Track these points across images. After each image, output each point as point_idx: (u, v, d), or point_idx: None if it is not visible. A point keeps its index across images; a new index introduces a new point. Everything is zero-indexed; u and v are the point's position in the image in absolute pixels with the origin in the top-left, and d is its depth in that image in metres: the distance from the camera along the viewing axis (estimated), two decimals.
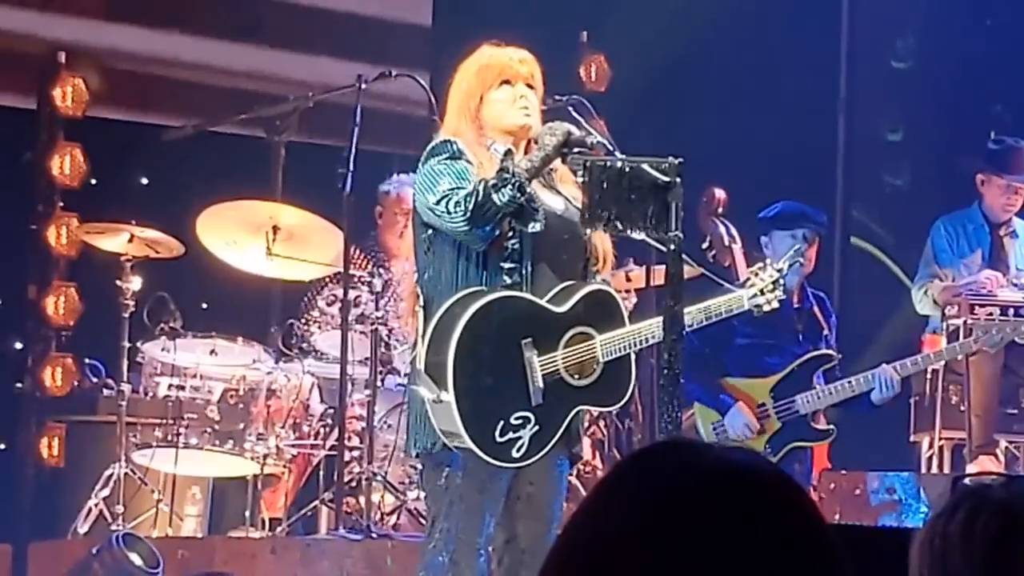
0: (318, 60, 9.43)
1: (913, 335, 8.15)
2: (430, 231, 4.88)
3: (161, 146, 8.49)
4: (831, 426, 7.33)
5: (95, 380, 8.07)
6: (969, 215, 8.11)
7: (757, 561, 1.47)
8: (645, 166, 4.46)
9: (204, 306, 8.55)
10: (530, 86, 4.97)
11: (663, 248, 4.48)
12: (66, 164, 8.85)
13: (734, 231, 7.76)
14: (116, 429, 7.40)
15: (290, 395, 7.62)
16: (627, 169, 4.46)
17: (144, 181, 9.29)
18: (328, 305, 7.70)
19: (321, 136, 8.52)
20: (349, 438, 7.26)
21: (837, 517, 7.06)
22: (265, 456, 7.49)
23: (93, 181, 8.91)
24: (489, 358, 4.76)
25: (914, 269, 8.23)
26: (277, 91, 8.70)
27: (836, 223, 9.77)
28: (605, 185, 4.44)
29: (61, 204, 8.86)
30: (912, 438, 7.96)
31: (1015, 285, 7.78)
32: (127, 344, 7.54)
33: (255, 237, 7.60)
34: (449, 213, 4.74)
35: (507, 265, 4.81)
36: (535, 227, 4.80)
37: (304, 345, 7.74)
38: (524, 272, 4.82)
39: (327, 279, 7.82)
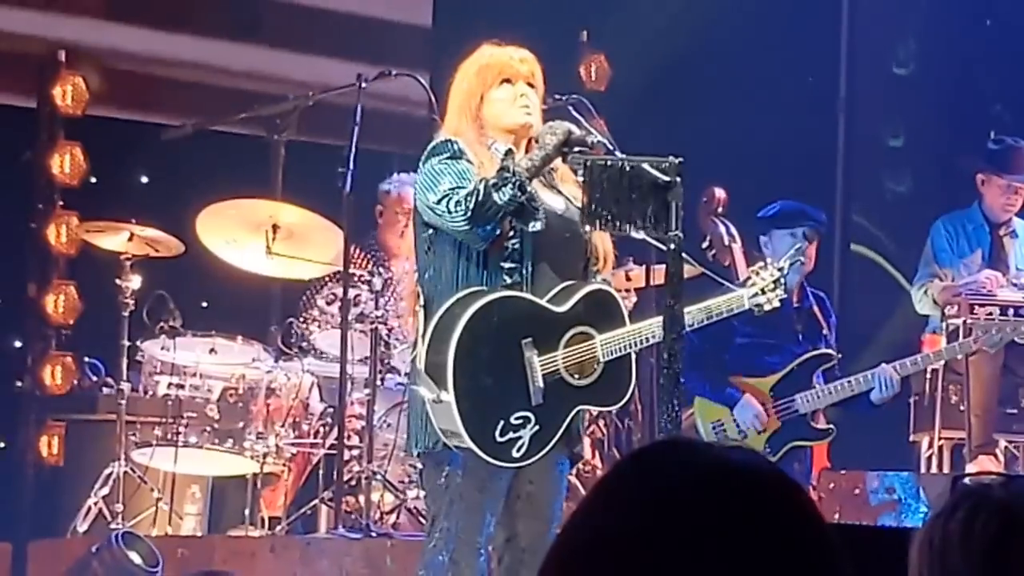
0: (318, 60, 9.43)
1: (913, 335, 8.15)
2: (431, 230, 4.88)
3: (161, 145, 8.50)
4: (831, 425, 7.34)
5: (95, 379, 8.08)
6: (969, 215, 8.11)
7: (756, 561, 1.48)
8: (645, 165, 4.46)
9: (204, 305, 8.56)
10: (531, 85, 4.97)
11: (663, 247, 4.48)
12: (66, 163, 8.85)
13: (734, 230, 7.76)
14: (116, 428, 7.40)
15: (290, 394, 7.62)
16: (627, 168, 4.46)
17: (144, 180, 9.29)
18: (328, 304, 7.70)
19: (321, 135, 8.52)
20: (349, 437, 7.26)
21: (836, 517, 7.06)
22: (265, 455, 7.49)
23: (93, 180, 8.91)
24: (489, 358, 4.76)
25: (914, 272, 8.23)
26: (277, 91, 8.70)
27: (836, 225, 9.77)
28: (605, 184, 4.44)
29: (61, 203, 8.86)
30: (912, 438, 7.96)
31: (1015, 285, 7.78)
32: (127, 343, 7.54)
33: (255, 236, 7.60)
34: (450, 212, 4.74)
35: (507, 265, 4.81)
36: (536, 226, 4.80)
37: (304, 344, 7.74)
38: (524, 272, 4.82)
39: (327, 278, 7.82)
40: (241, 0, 9.65)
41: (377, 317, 7.35)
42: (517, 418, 4.77)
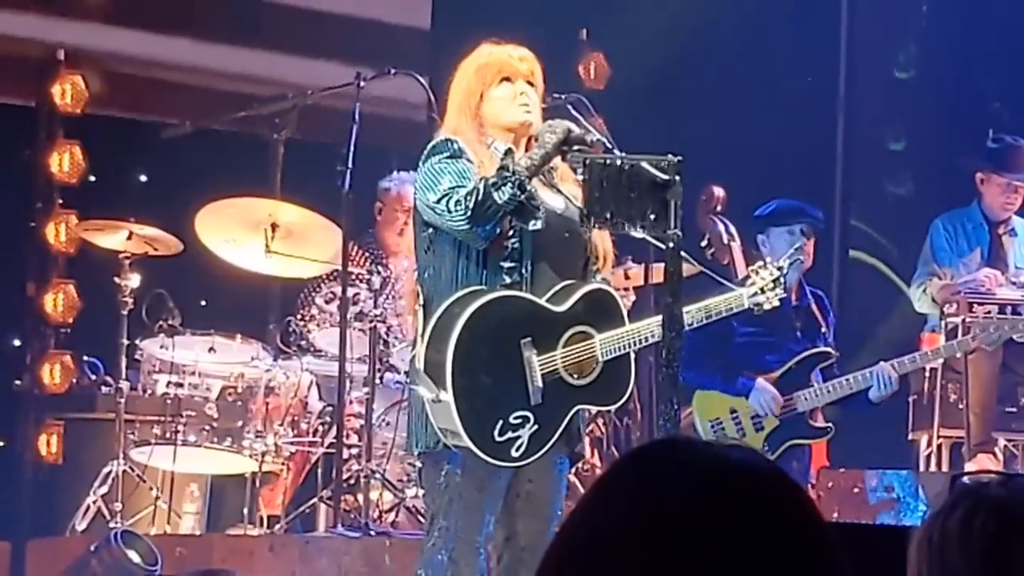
0: (316, 63, 9.43)
1: (911, 333, 8.15)
2: (430, 229, 4.87)
3: (160, 144, 8.50)
4: (829, 424, 7.34)
5: (93, 377, 8.08)
6: (968, 213, 8.11)
7: (755, 559, 1.48)
8: (644, 164, 4.46)
9: (203, 303, 8.56)
10: (530, 83, 4.97)
11: (662, 246, 4.48)
12: (65, 161, 8.85)
13: (733, 229, 7.76)
14: (114, 426, 7.40)
15: (288, 392, 7.62)
16: (626, 167, 4.46)
17: (143, 178, 9.29)
18: (326, 302, 7.70)
19: (320, 135, 8.52)
20: (347, 436, 7.26)
21: (835, 515, 7.05)
22: (263, 454, 7.49)
23: (92, 178, 8.92)
24: (488, 358, 4.76)
25: (913, 272, 8.22)
26: (276, 94, 8.69)
27: (835, 226, 9.77)
28: (605, 183, 4.44)
29: (60, 201, 8.86)
30: (910, 436, 7.96)
31: (1014, 283, 7.78)
32: (126, 341, 7.54)
33: (254, 234, 7.60)
34: (450, 212, 4.74)
35: (507, 264, 4.81)
36: (535, 225, 4.80)
37: (303, 343, 7.74)
38: (524, 271, 4.82)
39: (325, 276, 7.82)
40: (240, 3, 9.65)
41: (376, 315, 7.34)
42: (516, 417, 4.77)
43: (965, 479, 2.20)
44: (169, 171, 8.88)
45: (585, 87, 9.26)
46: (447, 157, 4.84)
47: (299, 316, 7.82)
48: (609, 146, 4.84)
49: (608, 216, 4.46)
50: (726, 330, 7.01)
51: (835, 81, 10.27)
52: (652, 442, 1.61)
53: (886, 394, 7.19)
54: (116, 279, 7.56)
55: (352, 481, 7.15)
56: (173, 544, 7.05)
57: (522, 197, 4.72)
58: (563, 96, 6.25)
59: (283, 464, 7.61)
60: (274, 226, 7.58)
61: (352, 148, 7.03)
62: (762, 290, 5.04)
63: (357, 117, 7.15)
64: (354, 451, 7.27)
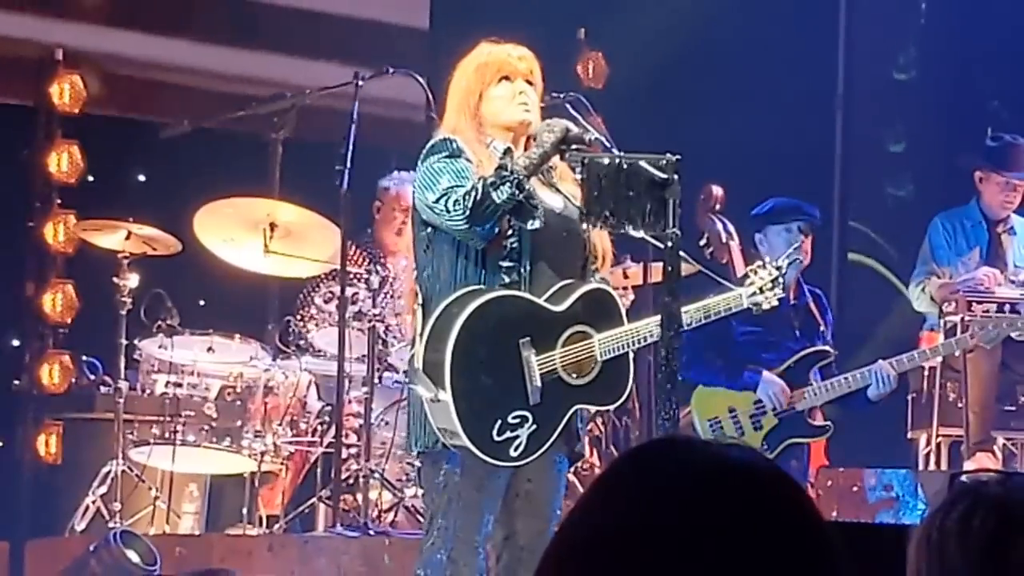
0: (315, 63, 9.42)
1: (910, 332, 8.16)
2: (429, 229, 4.87)
3: (158, 143, 8.49)
4: (828, 422, 7.34)
5: (92, 377, 8.07)
6: (967, 212, 8.11)
7: (755, 558, 1.48)
8: (643, 163, 4.46)
9: (201, 303, 8.56)
10: (529, 82, 4.97)
11: (661, 245, 4.48)
12: (63, 161, 8.85)
13: (731, 228, 7.76)
14: (113, 426, 7.40)
15: (287, 392, 7.62)
16: (625, 166, 4.46)
17: (141, 178, 9.29)
18: (325, 302, 7.70)
19: (318, 134, 8.51)
20: (346, 435, 7.26)
21: (834, 514, 7.05)
22: (262, 453, 7.49)
23: (90, 178, 8.92)
24: (487, 357, 4.76)
25: (912, 270, 8.22)
26: (274, 94, 8.68)
27: (833, 226, 9.77)
28: (603, 182, 4.44)
29: (58, 201, 8.87)
30: (909, 435, 7.96)
31: (1012, 282, 7.78)
32: (124, 341, 7.54)
33: (252, 234, 7.60)
34: (448, 211, 4.74)
35: (506, 264, 4.81)
36: (534, 224, 4.80)
37: (301, 342, 7.74)
38: (523, 271, 4.82)
39: (324, 276, 7.82)
40: (238, 4, 9.65)
41: (375, 315, 7.34)
42: (515, 417, 4.77)
43: (964, 478, 2.20)
44: (168, 171, 8.88)
45: (584, 86, 9.25)
46: (446, 156, 4.84)
47: (298, 316, 7.82)
48: (608, 145, 4.84)
49: (607, 215, 4.46)
50: (725, 329, 7.01)
51: (834, 81, 10.27)
52: (651, 441, 1.61)
53: (885, 392, 7.19)
54: (115, 279, 7.56)
55: (351, 481, 7.15)
56: (172, 544, 7.05)
57: (520, 196, 4.72)
58: (562, 95, 6.24)
59: (282, 464, 7.60)
60: (272, 226, 7.57)
61: (350, 148, 7.02)
62: (761, 290, 5.04)
63: (355, 117, 7.15)
64: (353, 451, 7.27)
